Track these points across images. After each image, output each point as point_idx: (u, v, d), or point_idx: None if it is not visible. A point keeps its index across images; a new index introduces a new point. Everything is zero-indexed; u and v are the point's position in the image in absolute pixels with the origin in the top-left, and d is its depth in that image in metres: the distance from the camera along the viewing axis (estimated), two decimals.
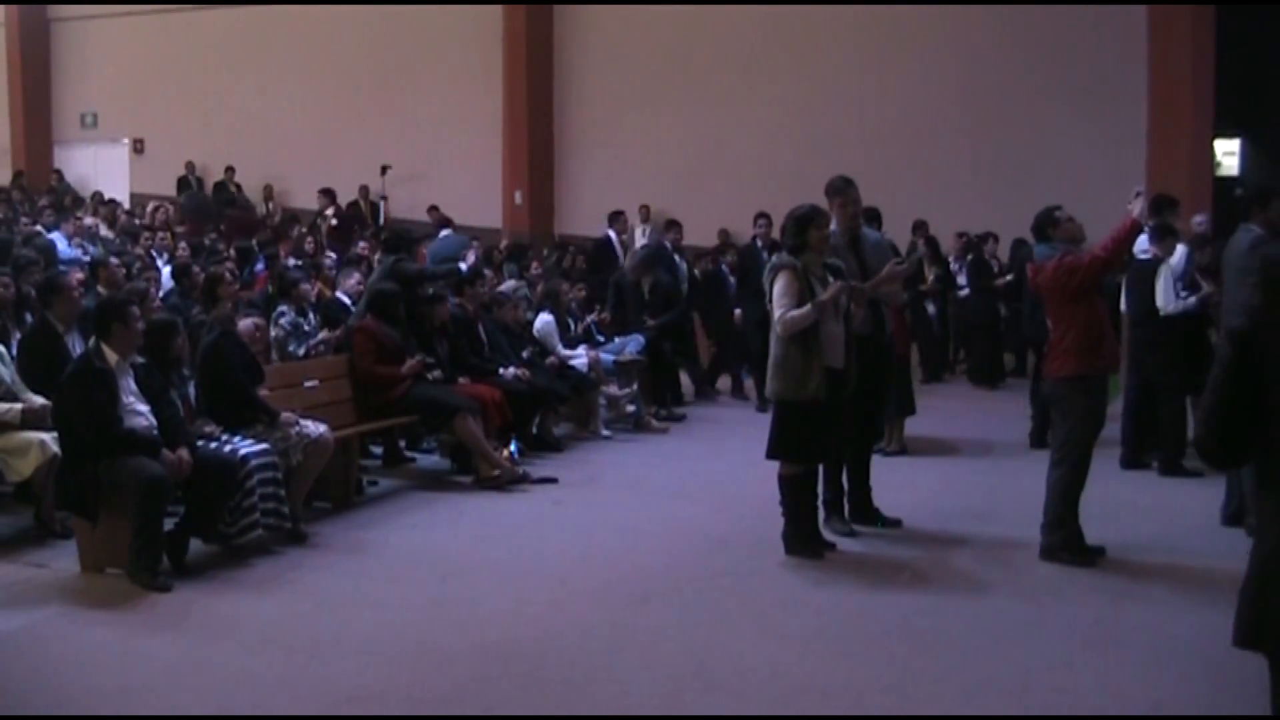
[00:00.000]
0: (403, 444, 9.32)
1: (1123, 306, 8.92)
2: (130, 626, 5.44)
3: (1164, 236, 8.66)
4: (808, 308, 6.16)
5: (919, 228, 13.96)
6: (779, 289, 6.26)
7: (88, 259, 12.53)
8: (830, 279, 6.32)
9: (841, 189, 6.97)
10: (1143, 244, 8.83)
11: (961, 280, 13.84)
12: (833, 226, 6.81)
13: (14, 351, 7.47)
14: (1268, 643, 3.54)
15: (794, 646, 5.13)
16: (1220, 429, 3.56)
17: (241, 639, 5.26)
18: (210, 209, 18.69)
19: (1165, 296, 8.47)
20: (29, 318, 8.18)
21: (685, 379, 12.14)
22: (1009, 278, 12.73)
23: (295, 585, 6.06)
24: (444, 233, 15.11)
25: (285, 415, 6.99)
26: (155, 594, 5.80)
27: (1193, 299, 8.61)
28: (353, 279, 10.24)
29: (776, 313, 6.24)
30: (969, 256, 13.87)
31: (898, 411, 9.03)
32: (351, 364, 8.39)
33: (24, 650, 5.15)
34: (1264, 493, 3.63)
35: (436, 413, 8.36)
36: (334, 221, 18.21)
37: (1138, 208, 6.29)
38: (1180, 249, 8.79)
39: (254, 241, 14.07)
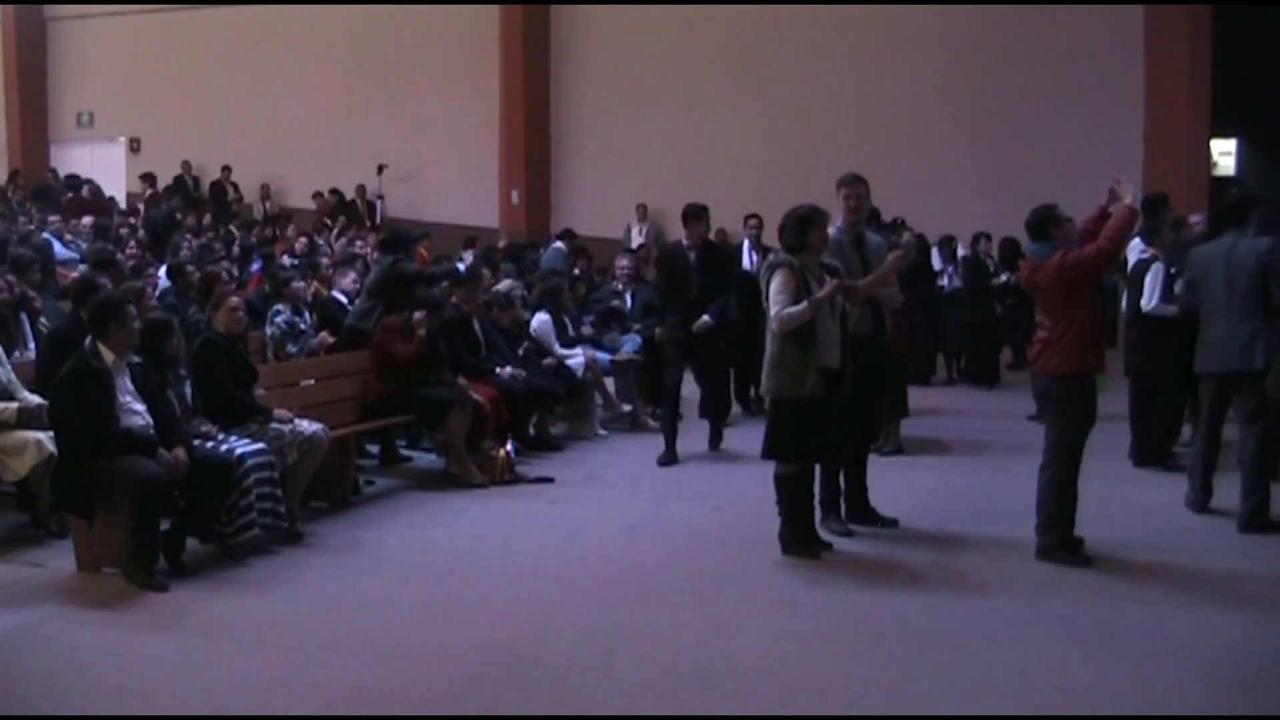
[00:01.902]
0: (402, 444, 9.32)
1: (1123, 305, 8.93)
2: (126, 626, 5.43)
3: (1154, 234, 8.67)
4: (804, 304, 6.17)
5: (898, 227, 13.92)
6: (775, 286, 6.27)
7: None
8: (826, 278, 6.33)
9: (849, 182, 7.03)
10: (1139, 245, 8.84)
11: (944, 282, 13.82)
12: (839, 223, 6.89)
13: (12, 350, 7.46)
14: None
15: (791, 646, 5.13)
16: None
17: (238, 639, 5.25)
18: (54, 197, 19.01)
19: (1149, 294, 8.46)
20: (23, 318, 8.18)
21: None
22: (1005, 278, 12.74)
23: (292, 585, 6.06)
24: (556, 243, 15.08)
25: (279, 411, 6.99)
26: (151, 594, 5.79)
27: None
28: (348, 278, 10.24)
29: (773, 310, 6.25)
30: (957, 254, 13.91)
31: (892, 413, 9.03)
32: (383, 358, 8.40)
33: (20, 650, 5.14)
34: None
35: (431, 409, 8.37)
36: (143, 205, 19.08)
37: (1128, 194, 6.30)
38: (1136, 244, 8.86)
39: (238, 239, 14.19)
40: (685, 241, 9.33)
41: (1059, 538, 6.32)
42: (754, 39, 17.97)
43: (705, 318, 9.07)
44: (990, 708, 4.47)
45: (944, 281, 14.00)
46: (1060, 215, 6.45)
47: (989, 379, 13.28)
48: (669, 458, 9.03)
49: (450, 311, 9.27)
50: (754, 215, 12.24)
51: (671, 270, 9.43)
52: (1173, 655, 5.01)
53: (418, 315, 8.42)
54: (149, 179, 20.40)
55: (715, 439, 9.55)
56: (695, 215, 9.23)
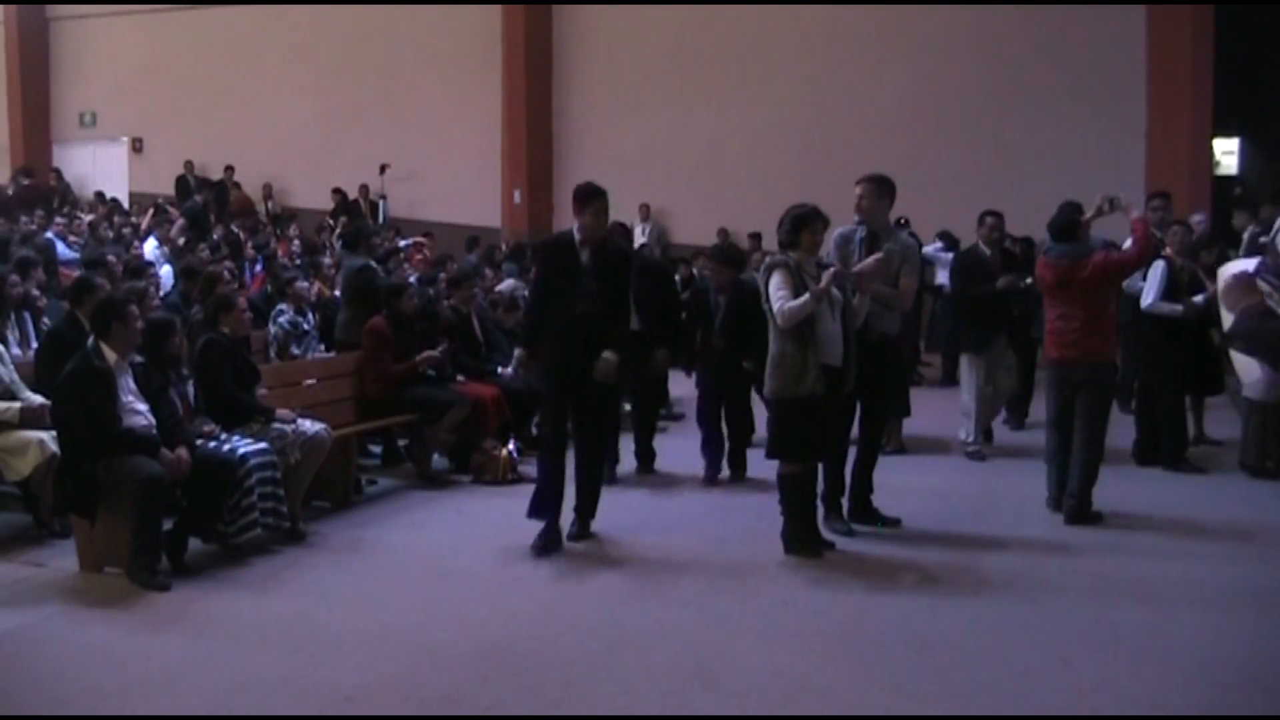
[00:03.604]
0: (403, 443, 9.31)
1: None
2: (129, 626, 5.43)
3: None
4: (806, 297, 6.18)
5: (901, 226, 13.88)
6: (774, 285, 6.29)
7: None
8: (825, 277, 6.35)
9: (862, 180, 7.07)
10: None
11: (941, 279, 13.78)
12: (857, 221, 7.01)
13: (13, 350, 7.47)
14: None
15: (793, 645, 5.13)
16: None
17: (240, 638, 5.26)
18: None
19: (1148, 292, 8.51)
20: (27, 317, 8.20)
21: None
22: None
23: (294, 584, 6.07)
24: None
25: (281, 411, 7.00)
26: (154, 593, 5.80)
27: (1199, 298, 8.59)
28: None
29: (775, 306, 6.26)
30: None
31: (894, 412, 9.02)
32: (366, 364, 8.39)
33: (22, 649, 5.15)
34: None
35: (431, 408, 8.38)
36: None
37: (1134, 209, 7.08)
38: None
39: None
40: (577, 235, 6.76)
41: (1089, 500, 7.06)
42: (755, 39, 17.95)
43: (608, 354, 6.49)
44: (992, 708, 4.47)
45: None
46: (1081, 219, 7.20)
47: None
48: (546, 539, 6.51)
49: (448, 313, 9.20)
50: (991, 212, 10.09)
51: (550, 272, 6.77)
52: (1175, 655, 5.01)
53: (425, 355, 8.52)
54: (339, 193, 19.81)
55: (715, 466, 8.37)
56: (594, 197, 6.70)
